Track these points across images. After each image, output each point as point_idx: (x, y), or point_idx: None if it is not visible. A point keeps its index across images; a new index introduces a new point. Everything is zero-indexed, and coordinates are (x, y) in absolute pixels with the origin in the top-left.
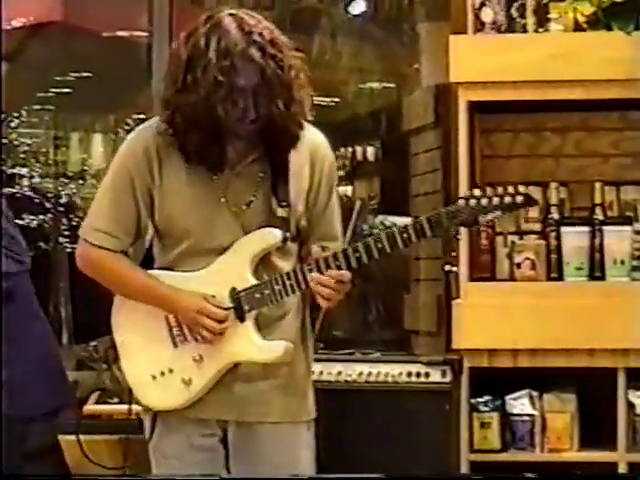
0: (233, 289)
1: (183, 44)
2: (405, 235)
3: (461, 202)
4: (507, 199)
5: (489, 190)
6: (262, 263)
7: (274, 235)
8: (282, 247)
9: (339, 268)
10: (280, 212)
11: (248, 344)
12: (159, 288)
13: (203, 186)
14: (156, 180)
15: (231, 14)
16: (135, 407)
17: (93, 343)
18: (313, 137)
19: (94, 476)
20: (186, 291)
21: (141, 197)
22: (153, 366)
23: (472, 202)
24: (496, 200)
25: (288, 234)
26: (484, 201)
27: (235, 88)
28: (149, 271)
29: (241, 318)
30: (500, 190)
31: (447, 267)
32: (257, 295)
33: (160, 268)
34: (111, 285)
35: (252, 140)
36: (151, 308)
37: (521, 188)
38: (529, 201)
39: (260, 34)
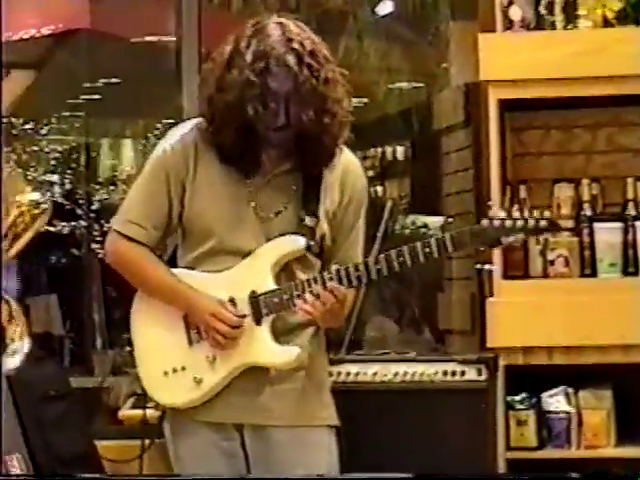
0: (253, 292)
1: (228, 44)
2: (427, 250)
3: (485, 222)
4: (531, 222)
5: (515, 212)
6: (284, 272)
7: (299, 242)
8: (305, 259)
9: (359, 279)
10: (308, 221)
11: (261, 347)
12: (178, 287)
13: (235, 188)
14: (190, 175)
15: (278, 22)
16: (158, 413)
17: (127, 348)
18: (347, 159)
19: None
20: (204, 294)
21: (174, 192)
22: (167, 362)
23: (496, 223)
24: (520, 223)
25: (312, 243)
26: (508, 223)
27: (267, 90)
28: (174, 269)
29: (258, 321)
30: (526, 213)
31: (480, 265)
32: (275, 300)
33: (183, 267)
34: (133, 278)
35: (286, 150)
36: (170, 306)
37: (547, 213)
38: (553, 226)
39: (301, 43)
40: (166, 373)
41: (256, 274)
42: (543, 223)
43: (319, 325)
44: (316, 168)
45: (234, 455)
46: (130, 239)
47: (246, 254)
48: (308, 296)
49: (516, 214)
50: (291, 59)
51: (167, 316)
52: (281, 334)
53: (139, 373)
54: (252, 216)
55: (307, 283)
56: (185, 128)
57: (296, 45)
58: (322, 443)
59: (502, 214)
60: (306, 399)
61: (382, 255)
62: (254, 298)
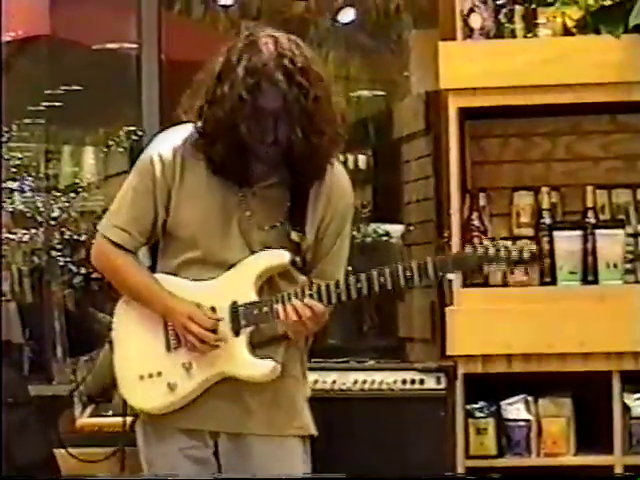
0: (234, 302)
1: (220, 56)
2: (409, 273)
3: (469, 250)
4: (514, 254)
5: (500, 242)
6: (268, 286)
7: (283, 256)
8: (289, 273)
9: (339, 296)
10: (294, 236)
11: (237, 359)
12: (157, 290)
13: (222, 199)
14: (177, 183)
15: (271, 35)
16: (129, 419)
17: (85, 358)
18: (336, 174)
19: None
20: (182, 298)
21: (160, 200)
22: (143, 367)
23: (480, 251)
24: (503, 253)
25: (297, 258)
26: (491, 251)
27: (257, 107)
28: (157, 274)
29: (236, 332)
30: (509, 243)
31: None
32: (255, 312)
33: (165, 273)
34: (115, 281)
35: (276, 164)
36: (151, 312)
37: (533, 247)
38: (535, 258)
39: (292, 60)
40: (142, 377)
41: (239, 285)
42: (526, 255)
43: (293, 337)
44: (304, 184)
45: (205, 463)
46: (115, 244)
47: (230, 266)
48: (288, 307)
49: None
50: (281, 77)
51: (148, 321)
52: (257, 346)
53: (116, 376)
54: (238, 228)
55: (287, 296)
56: (174, 135)
57: (287, 62)
58: (296, 453)
59: (486, 242)
60: (281, 409)
61: (363, 274)
62: (234, 309)
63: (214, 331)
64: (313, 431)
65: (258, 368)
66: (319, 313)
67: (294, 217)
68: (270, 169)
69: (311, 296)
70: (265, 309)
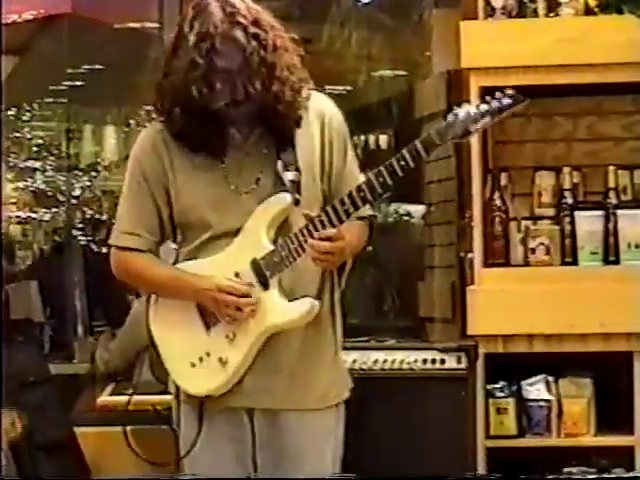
0: (253, 260)
1: (172, 31)
2: (403, 162)
3: (450, 117)
4: (494, 103)
5: (476, 100)
6: (282, 232)
7: (285, 199)
8: (299, 212)
9: (347, 212)
10: (289, 176)
11: (274, 309)
12: (181, 277)
13: (213, 172)
14: (169, 174)
15: None
16: (140, 398)
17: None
18: (319, 104)
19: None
20: (207, 276)
21: (158, 194)
22: (191, 354)
23: (461, 115)
24: (484, 107)
25: (298, 196)
26: (472, 110)
27: (213, 70)
28: (178, 264)
29: (265, 286)
30: (487, 97)
31: (464, 254)
32: (275, 259)
33: (184, 260)
34: (139, 282)
35: (251, 120)
36: (181, 302)
37: (508, 90)
38: (516, 100)
39: (244, 15)
40: (193, 364)
41: (252, 242)
42: (506, 101)
43: (333, 301)
44: (282, 131)
45: (239, 440)
46: (127, 249)
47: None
48: (307, 249)
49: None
50: (238, 33)
51: (181, 311)
52: (291, 292)
53: (169, 373)
54: (237, 194)
55: (300, 233)
56: (150, 128)
57: (240, 18)
58: (330, 427)
59: (465, 105)
60: (318, 381)
61: (362, 182)
62: (255, 265)
63: (246, 296)
64: (346, 394)
65: (296, 310)
66: (336, 235)
67: (284, 158)
68: (248, 126)
69: (321, 222)
70: (284, 253)
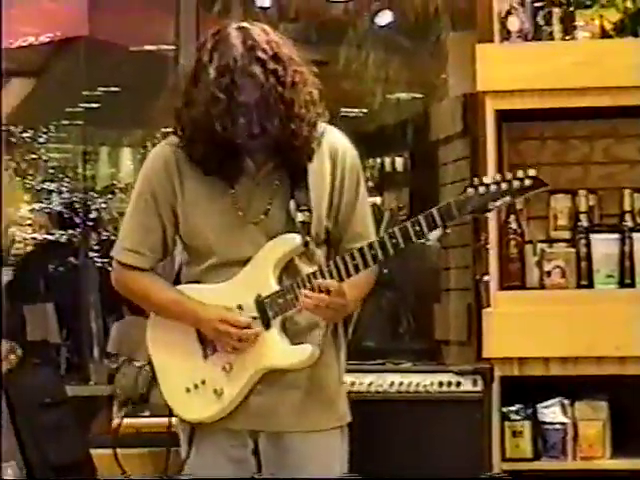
0: (258, 296)
1: (193, 57)
2: (417, 228)
3: (470, 190)
4: (515, 184)
5: (498, 176)
6: (287, 270)
7: (294, 240)
8: (306, 252)
9: (356, 266)
10: (300, 217)
11: (274, 350)
12: (184, 302)
13: (222, 199)
14: (178, 195)
15: (239, 27)
16: (170, 420)
17: (122, 357)
18: (332, 138)
19: None
20: (210, 305)
21: (165, 214)
22: (187, 379)
23: (481, 189)
24: (504, 185)
25: (308, 238)
26: (493, 187)
27: (234, 104)
28: (178, 286)
29: (267, 325)
30: (509, 175)
31: (479, 277)
32: (280, 300)
33: (189, 281)
34: (141, 302)
35: (263, 153)
36: (182, 324)
37: (531, 172)
38: (538, 184)
39: (263, 49)
40: (188, 390)
41: (258, 278)
42: (528, 182)
43: (326, 322)
44: (296, 165)
45: (243, 462)
46: (130, 266)
47: (247, 260)
48: (302, 297)
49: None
50: (256, 69)
51: (181, 334)
52: (294, 336)
53: (162, 393)
54: (245, 223)
55: (307, 279)
56: (163, 147)
57: (260, 53)
58: (334, 446)
59: (486, 180)
60: (322, 403)
61: (375, 240)
62: (259, 302)
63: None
64: (349, 419)
65: (297, 355)
66: (336, 291)
67: (297, 198)
68: (263, 157)
69: (329, 273)
70: (289, 296)
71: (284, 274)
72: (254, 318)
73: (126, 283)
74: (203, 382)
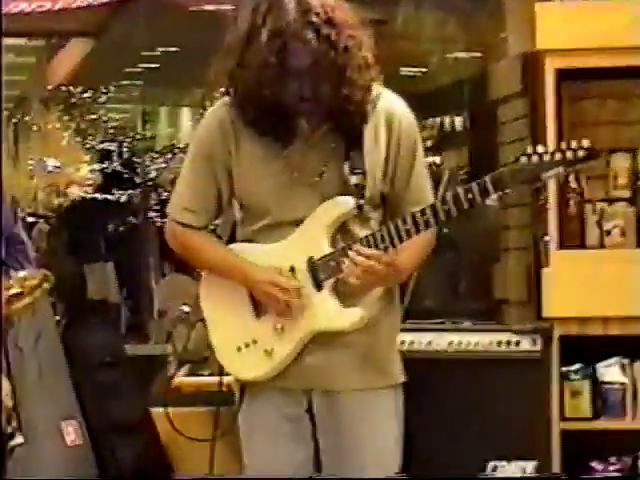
0: (310, 258)
1: (245, 17)
2: (470, 195)
3: (523, 159)
4: (569, 154)
5: (551, 146)
6: (340, 231)
7: (348, 203)
8: (360, 215)
9: (408, 232)
10: (354, 180)
11: (325, 312)
12: (236, 262)
13: (277, 159)
14: (233, 154)
15: None
16: (225, 379)
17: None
18: (388, 103)
19: None
20: (261, 266)
21: (220, 173)
22: (238, 338)
23: (534, 159)
24: (558, 156)
25: (362, 201)
26: (546, 157)
27: (285, 69)
28: (231, 244)
29: (319, 286)
30: (563, 145)
31: (540, 236)
32: (332, 263)
33: (243, 240)
34: (193, 260)
35: (317, 115)
36: (234, 282)
37: (585, 142)
38: (592, 154)
39: (317, 13)
40: (239, 348)
41: (311, 240)
42: (581, 153)
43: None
44: (351, 129)
45: (298, 420)
46: (185, 225)
47: (300, 221)
48: (348, 263)
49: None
50: (309, 34)
51: (233, 293)
52: (346, 296)
53: (215, 350)
54: (299, 184)
55: (360, 243)
56: (218, 107)
57: (313, 17)
58: (389, 405)
59: (540, 149)
60: (373, 362)
61: (427, 206)
62: (312, 264)
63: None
64: (403, 379)
65: (346, 318)
66: (385, 261)
67: (351, 160)
68: (317, 119)
69: (382, 237)
70: (342, 259)
71: (338, 236)
72: (304, 283)
73: (180, 241)
74: (255, 341)
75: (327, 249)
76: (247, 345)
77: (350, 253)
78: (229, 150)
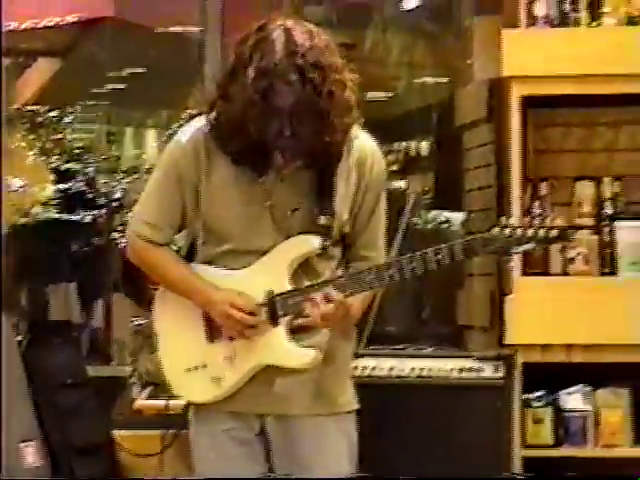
0: (270, 292)
1: (233, 50)
2: (440, 256)
3: (496, 231)
4: (541, 233)
5: (525, 221)
6: (302, 267)
7: (313, 242)
8: (324, 253)
9: (370, 284)
10: (322, 220)
11: (278, 349)
12: (196, 281)
13: (248, 188)
14: (203, 179)
15: (284, 27)
16: (175, 402)
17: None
18: (363, 144)
19: None
20: (221, 288)
21: (188, 194)
22: (188, 359)
23: (506, 232)
24: (530, 232)
25: (328, 242)
26: (519, 232)
27: (269, 108)
28: (192, 264)
29: (275, 321)
30: (536, 222)
31: (503, 262)
32: (290, 302)
33: (204, 262)
34: (153, 275)
35: (294, 152)
36: (191, 302)
37: (558, 220)
38: (563, 237)
39: (304, 55)
40: (188, 370)
41: (273, 273)
42: (554, 233)
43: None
44: (325, 167)
45: (249, 444)
46: (147, 240)
47: (264, 253)
48: (309, 305)
49: (537, 211)
50: (293, 76)
51: (188, 313)
52: (299, 331)
53: (163, 369)
54: (267, 215)
55: (321, 285)
56: (194, 128)
57: (299, 60)
58: (342, 430)
59: (514, 222)
60: (326, 387)
61: (393, 261)
62: (270, 298)
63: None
64: (356, 406)
65: (299, 357)
66: (338, 305)
67: (321, 199)
68: (292, 154)
69: (342, 285)
70: (300, 298)
71: (299, 271)
72: (261, 304)
73: (141, 256)
74: (204, 366)
75: (287, 285)
76: (196, 368)
77: (316, 296)
78: (199, 174)
